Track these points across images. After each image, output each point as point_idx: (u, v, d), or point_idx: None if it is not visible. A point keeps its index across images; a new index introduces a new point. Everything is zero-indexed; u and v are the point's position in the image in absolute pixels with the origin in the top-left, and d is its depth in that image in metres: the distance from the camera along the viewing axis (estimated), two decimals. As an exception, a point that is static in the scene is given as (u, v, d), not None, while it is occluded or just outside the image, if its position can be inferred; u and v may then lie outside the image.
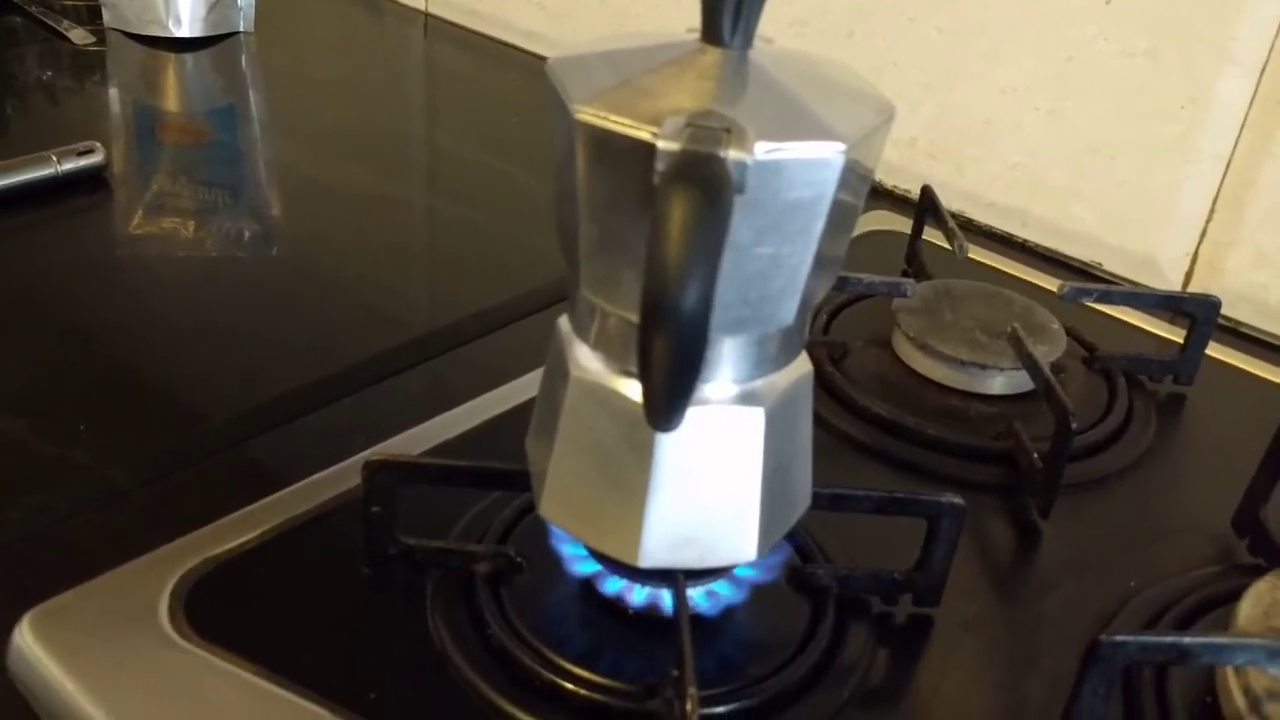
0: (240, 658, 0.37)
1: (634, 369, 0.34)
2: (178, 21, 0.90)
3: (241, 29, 0.93)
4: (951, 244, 0.61)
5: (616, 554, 0.36)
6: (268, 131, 0.81)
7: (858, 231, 0.50)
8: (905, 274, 0.66)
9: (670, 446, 0.34)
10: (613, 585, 0.40)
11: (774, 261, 0.32)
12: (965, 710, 0.39)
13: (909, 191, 0.76)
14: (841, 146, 0.30)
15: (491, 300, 0.61)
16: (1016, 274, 0.68)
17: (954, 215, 0.66)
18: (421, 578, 0.41)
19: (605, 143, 0.30)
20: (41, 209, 0.65)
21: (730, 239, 0.28)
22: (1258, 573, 0.41)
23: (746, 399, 0.35)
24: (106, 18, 0.92)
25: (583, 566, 0.40)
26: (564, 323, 0.37)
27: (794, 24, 0.79)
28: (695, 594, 0.39)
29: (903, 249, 0.67)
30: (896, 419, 0.52)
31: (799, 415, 0.37)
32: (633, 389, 0.34)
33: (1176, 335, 0.61)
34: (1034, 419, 0.52)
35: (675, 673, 0.35)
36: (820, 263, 0.33)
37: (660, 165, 0.29)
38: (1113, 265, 0.71)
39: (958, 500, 0.41)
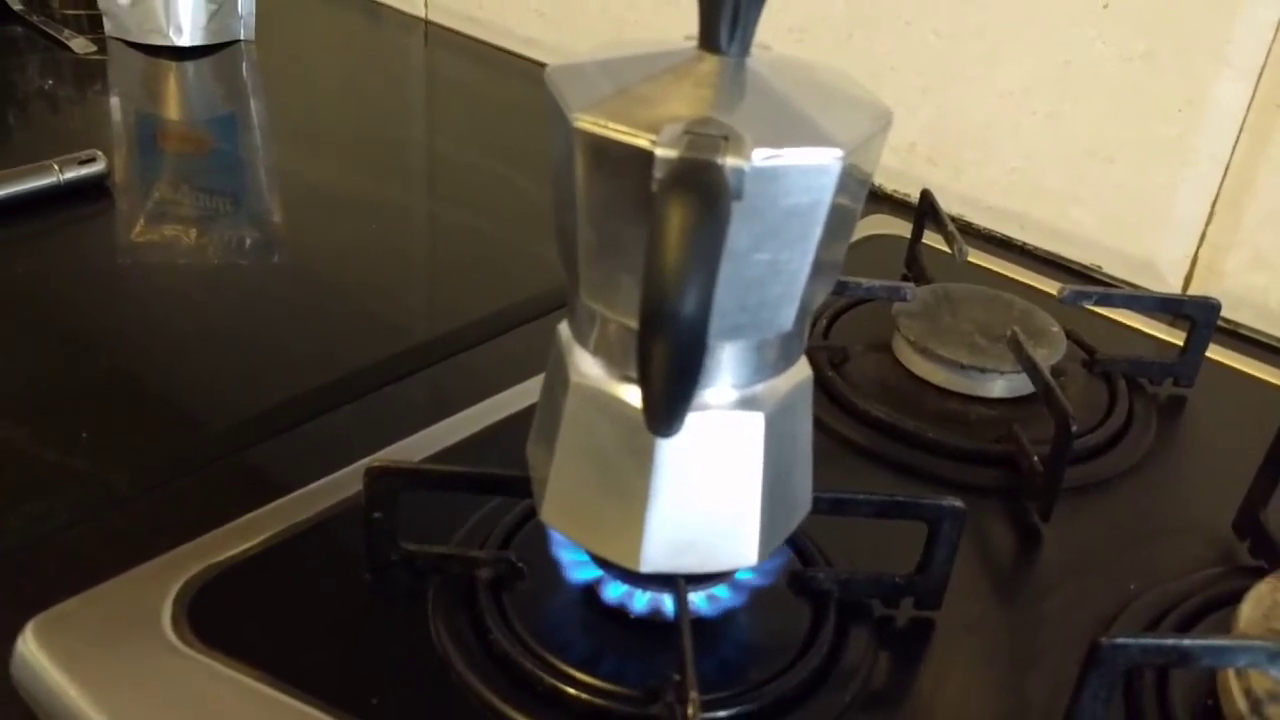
0: (243, 664, 0.37)
1: (634, 375, 0.34)
2: (178, 30, 0.90)
3: (242, 37, 0.94)
4: (951, 248, 0.61)
5: (617, 559, 0.36)
6: (268, 139, 0.82)
7: (857, 236, 0.51)
8: (905, 278, 0.66)
9: (670, 452, 0.34)
10: (614, 591, 0.40)
11: (772, 267, 0.32)
12: (967, 713, 0.39)
13: (908, 195, 0.76)
14: (839, 153, 0.31)
15: (492, 307, 0.61)
16: (1016, 277, 0.68)
17: (953, 219, 0.66)
18: (423, 584, 0.41)
19: (604, 150, 0.31)
20: (44, 218, 0.66)
21: (728, 245, 0.28)
22: (1259, 575, 0.41)
23: (746, 404, 0.35)
24: (108, 27, 0.92)
25: (584, 572, 0.40)
26: (564, 329, 0.37)
27: (792, 30, 0.79)
28: (696, 598, 0.40)
29: (902, 253, 0.67)
30: (897, 423, 0.52)
31: (799, 420, 0.37)
32: (633, 395, 0.34)
33: (1176, 338, 0.61)
34: (1034, 422, 0.52)
35: (677, 677, 0.35)
36: (819, 268, 0.33)
37: (658, 172, 0.29)
38: (1112, 268, 0.71)
39: (958, 504, 0.41)
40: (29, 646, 0.38)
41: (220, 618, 0.39)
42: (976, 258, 0.68)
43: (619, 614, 0.40)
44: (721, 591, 0.40)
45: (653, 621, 0.40)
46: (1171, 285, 0.69)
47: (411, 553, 0.41)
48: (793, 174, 0.31)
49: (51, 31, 0.91)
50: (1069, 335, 0.58)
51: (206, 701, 0.36)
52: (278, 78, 0.92)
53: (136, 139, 0.80)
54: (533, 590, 0.41)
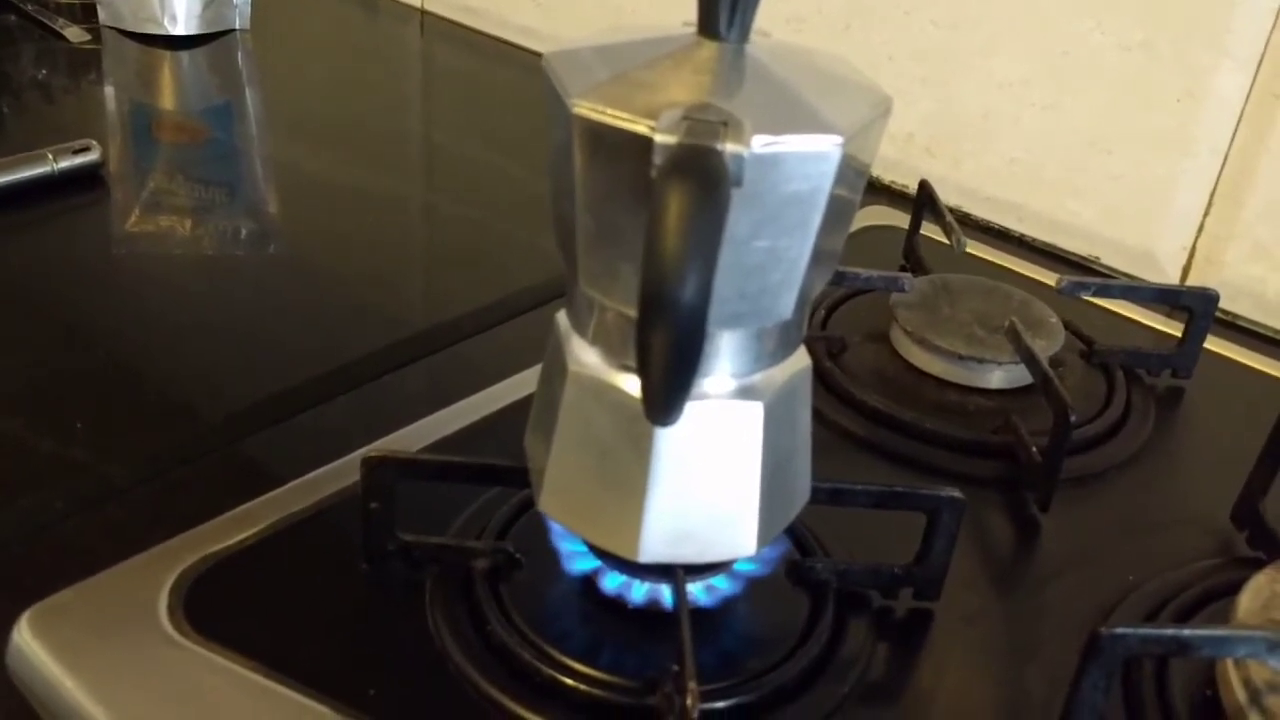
0: (239, 655, 0.37)
1: (632, 364, 0.34)
2: (173, 19, 0.89)
3: (237, 26, 0.93)
4: (949, 239, 0.61)
5: (616, 549, 0.36)
6: (264, 129, 0.81)
7: (855, 227, 0.50)
8: (903, 269, 0.66)
9: (669, 441, 0.34)
10: (612, 582, 0.40)
11: (772, 255, 0.32)
12: (966, 703, 0.39)
13: (906, 186, 0.76)
14: (839, 139, 0.30)
15: (489, 297, 0.61)
16: (1014, 268, 0.68)
17: (951, 210, 0.65)
18: (420, 574, 0.41)
19: (602, 136, 0.30)
20: (38, 207, 0.65)
21: (728, 232, 0.28)
22: (1257, 565, 0.41)
23: (745, 393, 0.35)
24: (102, 16, 0.91)
25: (582, 562, 0.40)
26: (562, 318, 0.37)
27: (791, 19, 0.79)
28: (695, 589, 0.39)
29: (900, 244, 0.67)
30: (895, 413, 0.52)
31: (798, 409, 0.37)
32: (631, 384, 0.34)
33: (1175, 329, 0.61)
34: (1032, 413, 0.52)
35: (675, 667, 0.35)
36: (818, 256, 0.33)
37: (657, 159, 0.29)
38: (1110, 259, 0.71)
39: (957, 494, 0.41)
40: (24, 637, 0.38)
41: (217, 608, 0.39)
42: (975, 248, 0.68)
43: (617, 604, 0.40)
44: (720, 582, 0.40)
45: (651, 612, 0.39)
46: (1170, 276, 0.69)
47: (409, 543, 0.41)
48: (792, 160, 0.30)
49: (45, 20, 0.91)
50: (1067, 326, 0.58)
51: (203, 692, 0.36)
52: (273, 67, 0.91)
53: (131, 128, 0.79)
54: (530, 581, 0.40)
